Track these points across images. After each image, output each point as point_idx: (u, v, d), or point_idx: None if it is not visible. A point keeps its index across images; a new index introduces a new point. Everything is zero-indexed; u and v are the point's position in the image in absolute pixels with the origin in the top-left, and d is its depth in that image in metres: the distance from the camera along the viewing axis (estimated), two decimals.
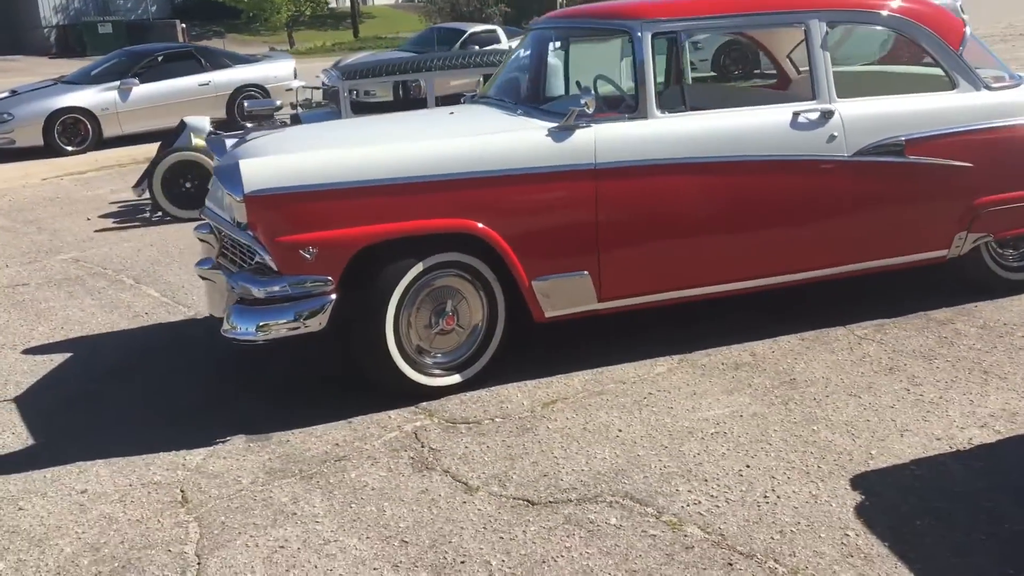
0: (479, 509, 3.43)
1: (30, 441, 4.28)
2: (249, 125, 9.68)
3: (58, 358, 5.28)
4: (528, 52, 5.51)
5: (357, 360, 4.37)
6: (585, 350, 4.81)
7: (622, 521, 3.28)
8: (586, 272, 4.49)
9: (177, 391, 4.76)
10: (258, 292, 4.12)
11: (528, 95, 5.37)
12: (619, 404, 4.21)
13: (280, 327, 4.13)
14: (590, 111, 4.40)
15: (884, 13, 4.98)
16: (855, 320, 5.01)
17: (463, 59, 9.42)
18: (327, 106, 10.02)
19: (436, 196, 4.23)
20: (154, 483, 3.81)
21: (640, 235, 4.54)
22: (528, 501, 3.46)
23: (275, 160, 4.19)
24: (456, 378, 4.45)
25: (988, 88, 5.07)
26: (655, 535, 3.18)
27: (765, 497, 3.37)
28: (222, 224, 4.59)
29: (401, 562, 3.14)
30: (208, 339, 5.55)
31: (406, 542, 3.26)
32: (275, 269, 4.13)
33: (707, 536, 3.15)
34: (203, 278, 4.51)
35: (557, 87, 5.42)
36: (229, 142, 5.20)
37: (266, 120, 9.65)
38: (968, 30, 5.15)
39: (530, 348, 4.82)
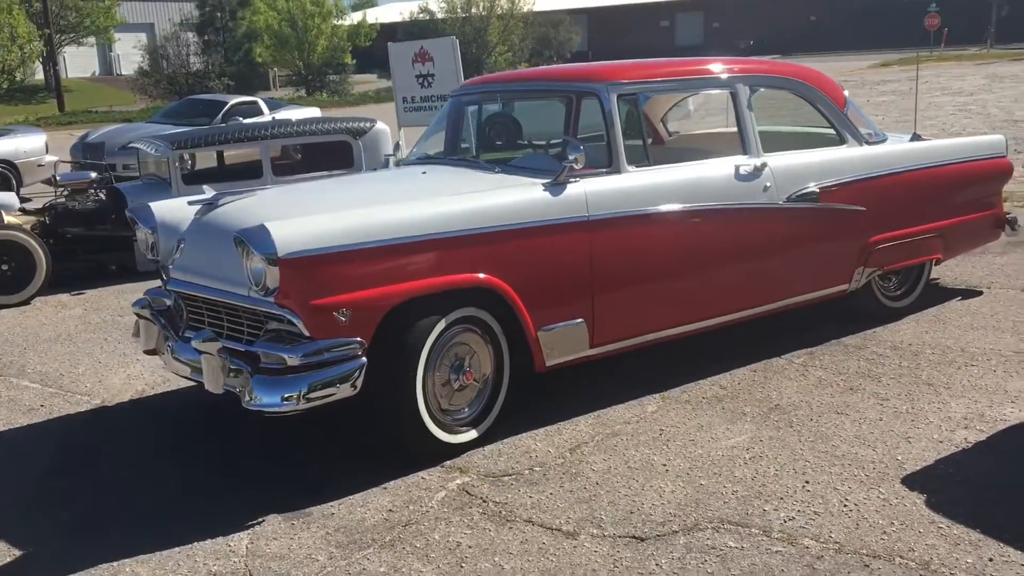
0: (595, 551, 3.48)
1: (22, 551, 3.76)
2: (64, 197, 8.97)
3: None
4: (467, 114, 5.64)
5: (385, 423, 4.25)
6: (567, 397, 4.95)
7: (741, 543, 3.46)
8: (581, 319, 4.67)
9: (159, 477, 4.36)
10: (292, 360, 3.92)
11: (479, 153, 5.51)
12: (641, 442, 4.40)
13: (314, 395, 3.95)
14: (579, 167, 4.63)
15: (790, 78, 5.66)
16: (784, 351, 5.53)
17: (295, 128, 9.30)
18: (146, 177, 9.46)
19: (457, 252, 4.26)
20: (216, 574, 3.50)
21: (625, 281, 4.79)
22: (636, 537, 3.56)
23: (304, 222, 4.03)
24: (473, 433, 4.44)
25: (867, 143, 5.85)
26: (780, 551, 3.39)
27: (844, 506, 3.69)
28: (208, 293, 4.32)
29: None
30: (147, 422, 5.13)
31: None
32: (306, 334, 3.96)
33: (826, 546, 3.41)
34: (200, 352, 4.19)
35: (510, 146, 5.57)
36: (172, 210, 4.92)
37: (80, 193, 8.99)
38: (847, 93, 5.94)
39: (515, 399, 4.87)
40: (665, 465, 4.16)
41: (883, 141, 6.00)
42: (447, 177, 4.98)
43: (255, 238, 3.90)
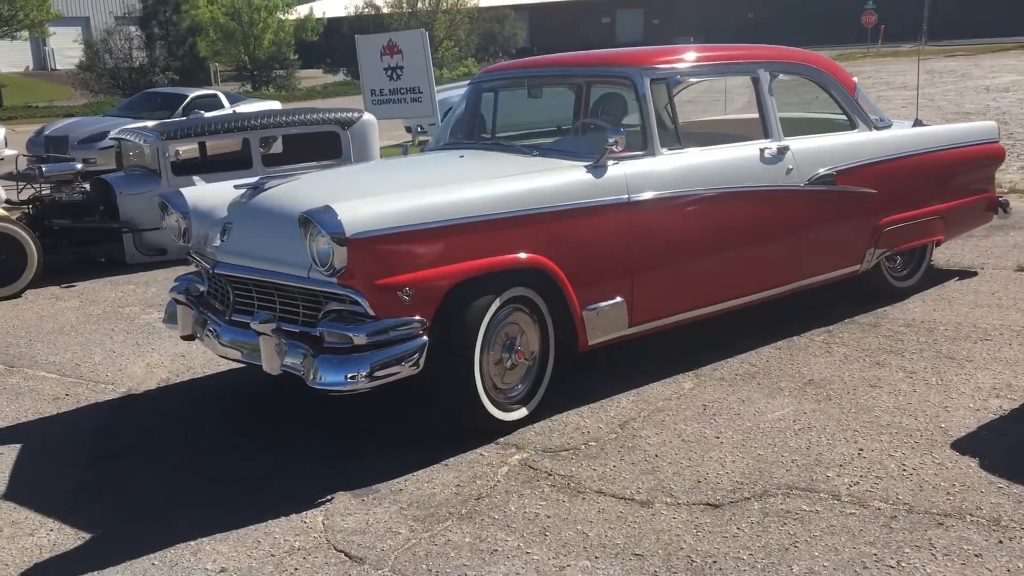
0: (674, 517, 3.58)
1: (92, 534, 3.73)
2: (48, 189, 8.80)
3: (10, 454, 4.58)
4: (490, 99, 5.70)
5: (443, 400, 4.30)
6: (604, 376, 5.03)
7: (814, 506, 3.59)
8: (621, 298, 4.76)
9: (213, 461, 4.35)
10: (359, 338, 3.95)
11: (507, 138, 5.57)
12: (688, 417, 4.51)
13: (378, 373, 3.98)
14: (619, 149, 4.72)
15: (807, 64, 5.82)
16: (803, 330, 5.68)
17: (285, 118, 9.25)
18: (131, 168, 9.32)
19: (511, 233, 4.32)
20: (298, 549, 3.52)
21: (662, 261, 4.90)
22: (710, 504, 3.66)
23: (368, 203, 4.06)
24: (524, 411, 4.51)
25: (876, 128, 6.03)
26: (854, 513, 3.53)
27: (904, 470, 3.84)
28: (263, 276, 4.32)
29: (659, 574, 3.22)
30: (184, 407, 5.10)
31: (639, 555, 3.34)
32: (371, 313, 3.99)
33: (896, 507, 3.55)
34: (260, 333, 4.18)
35: (539, 130, 5.64)
36: (205, 196, 4.92)
37: (66, 185, 8.84)
38: (856, 79, 6.12)
39: (556, 379, 4.94)
40: (718, 437, 4.27)
41: (889, 126, 6.19)
42: (488, 161, 5.04)
43: (323, 218, 3.91)
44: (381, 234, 3.97)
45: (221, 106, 16.93)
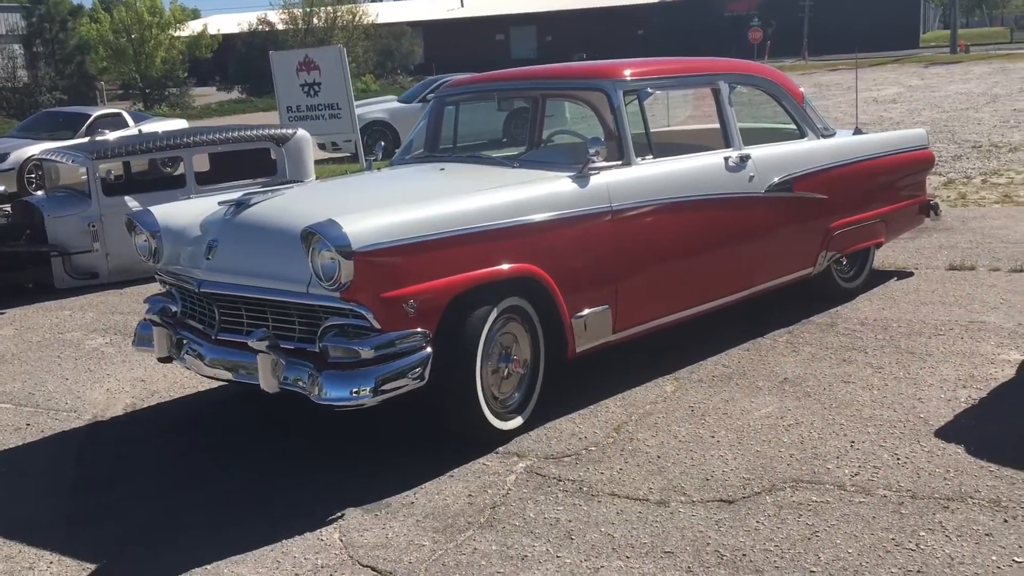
0: (693, 515, 3.67)
1: (95, 564, 3.61)
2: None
3: None
4: (453, 113, 5.74)
5: (446, 412, 4.30)
6: (588, 384, 5.11)
7: (824, 497, 3.73)
8: (606, 305, 4.85)
9: (205, 483, 4.25)
10: (366, 352, 3.93)
11: (477, 151, 5.61)
12: (678, 419, 4.62)
13: (384, 387, 3.96)
14: (599, 160, 4.82)
15: (762, 77, 6.06)
16: (766, 331, 5.87)
17: (217, 135, 9.07)
18: (57, 190, 9.00)
19: (507, 243, 4.37)
20: (322, 567, 3.48)
21: (642, 268, 5.01)
22: (724, 500, 3.76)
23: (369, 216, 4.04)
24: (519, 419, 4.55)
25: (823, 136, 6.29)
26: (863, 501, 3.67)
27: (897, 459, 4.02)
28: (255, 293, 4.26)
29: (693, 570, 3.30)
30: (158, 432, 4.96)
31: (669, 552, 3.41)
32: (376, 327, 3.97)
33: (901, 494, 3.72)
34: (257, 351, 4.10)
35: (511, 142, 5.69)
36: (175, 214, 4.84)
37: None
38: (803, 90, 6.37)
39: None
40: (713, 436, 4.38)
41: (834, 135, 6.47)
42: (472, 173, 5.07)
43: (328, 232, 3.88)
44: (386, 247, 3.96)
45: (126, 125, 16.47)
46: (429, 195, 4.48)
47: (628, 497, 3.85)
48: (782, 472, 3.97)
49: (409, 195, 4.57)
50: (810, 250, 6.09)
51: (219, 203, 4.63)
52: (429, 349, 4.08)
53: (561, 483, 4.01)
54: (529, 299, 4.54)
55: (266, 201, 4.47)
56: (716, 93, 5.66)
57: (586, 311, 4.74)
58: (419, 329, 4.05)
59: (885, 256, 7.61)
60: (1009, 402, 4.58)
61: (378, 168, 5.79)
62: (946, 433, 4.26)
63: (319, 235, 3.90)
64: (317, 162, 11.29)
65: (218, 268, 4.42)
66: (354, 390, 3.95)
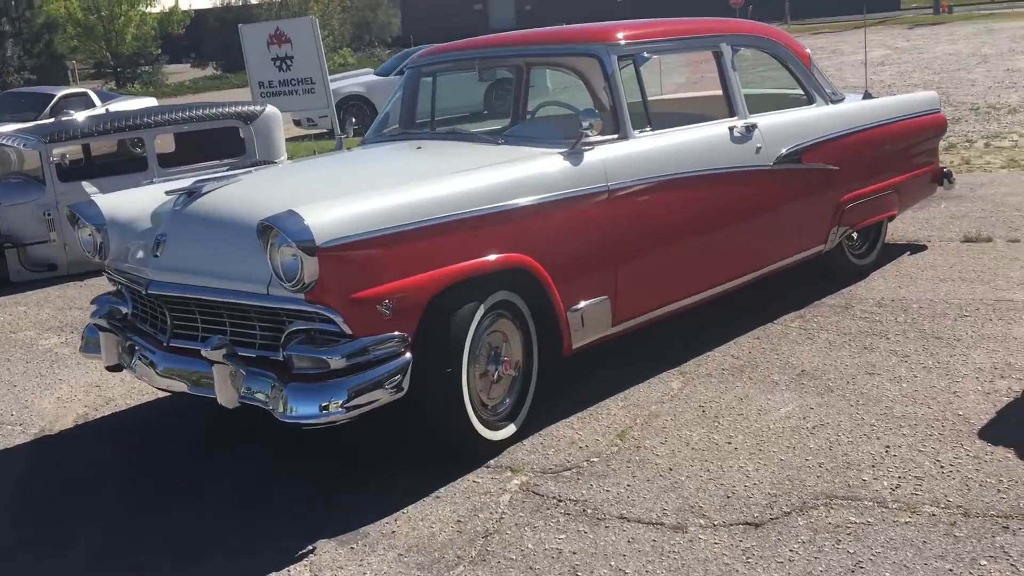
0: (715, 543, 3.20)
1: None
2: None
3: None
4: (429, 85, 5.20)
5: (429, 423, 3.81)
6: (584, 380, 4.64)
7: (863, 517, 3.26)
8: (606, 296, 4.37)
9: (162, 507, 3.76)
10: (336, 362, 3.42)
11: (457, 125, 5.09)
12: (688, 422, 4.15)
13: (356, 401, 3.46)
14: (593, 134, 4.31)
15: (766, 38, 5.54)
16: (775, 316, 5.40)
17: (180, 114, 8.50)
18: (9, 176, 8.42)
19: (493, 230, 3.88)
20: None
21: (644, 252, 4.52)
22: (750, 524, 3.30)
23: (335, 205, 3.52)
24: (512, 428, 4.07)
25: (832, 102, 5.79)
26: (909, 521, 3.21)
27: (940, 466, 3.56)
28: (210, 295, 3.74)
29: None
30: (111, 447, 4.47)
31: None
32: (347, 332, 3.47)
33: (950, 511, 3.26)
34: (212, 361, 3.59)
35: (492, 115, 5.18)
36: (122, 204, 4.31)
37: None
38: (809, 51, 5.87)
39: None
40: (730, 443, 3.92)
41: (843, 100, 5.97)
42: (452, 151, 4.55)
43: (287, 226, 3.37)
44: (355, 240, 3.45)
45: (92, 105, 15.84)
46: (404, 178, 3.97)
47: (640, 521, 3.38)
48: (812, 486, 3.51)
49: (382, 179, 4.06)
50: (821, 226, 5.61)
51: (166, 192, 4.11)
52: (408, 355, 3.58)
53: (562, 504, 3.54)
54: (519, 293, 4.04)
55: (220, 189, 3.95)
56: (718, 56, 5.15)
57: (583, 303, 4.25)
58: (396, 333, 3.55)
59: (895, 229, 7.13)
60: None
61: (348, 148, 5.27)
62: (991, 433, 3.80)
63: (277, 229, 3.39)
64: (294, 139, 10.75)
65: (168, 267, 3.90)
66: (324, 405, 3.45)
